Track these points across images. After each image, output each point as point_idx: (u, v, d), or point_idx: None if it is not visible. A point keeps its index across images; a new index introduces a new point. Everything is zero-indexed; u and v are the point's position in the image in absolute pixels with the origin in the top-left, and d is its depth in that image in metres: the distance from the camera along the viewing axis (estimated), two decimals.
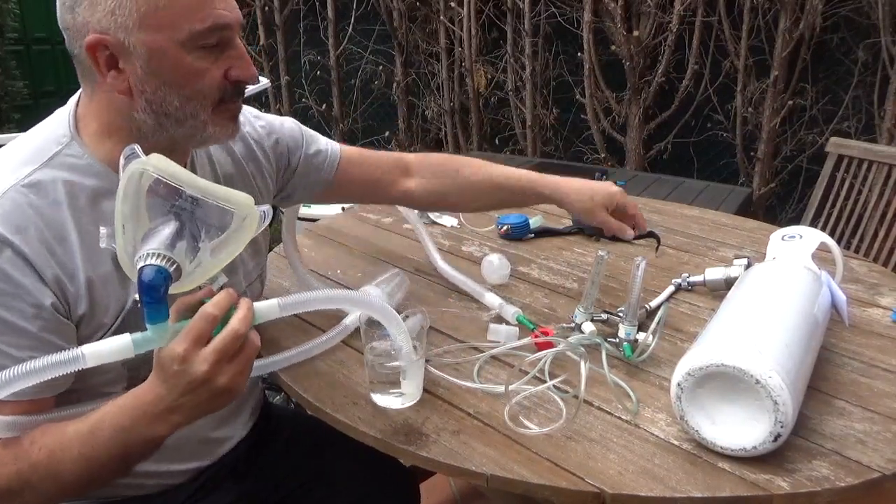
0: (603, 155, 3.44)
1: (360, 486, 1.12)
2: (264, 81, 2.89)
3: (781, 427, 0.77)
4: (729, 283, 1.16)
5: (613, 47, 3.23)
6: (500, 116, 3.81)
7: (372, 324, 0.90)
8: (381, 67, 4.11)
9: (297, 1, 4.19)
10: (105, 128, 0.86)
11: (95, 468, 0.78)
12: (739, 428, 0.79)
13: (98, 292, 0.83)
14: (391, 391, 0.90)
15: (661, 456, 0.81)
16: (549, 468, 0.79)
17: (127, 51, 0.79)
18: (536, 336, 1.02)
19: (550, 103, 3.58)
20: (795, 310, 0.93)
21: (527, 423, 0.86)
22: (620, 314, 1.03)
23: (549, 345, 0.99)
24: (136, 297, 0.73)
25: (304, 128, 1.16)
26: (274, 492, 1.11)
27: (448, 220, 1.59)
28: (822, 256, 1.11)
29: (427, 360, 0.98)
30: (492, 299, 1.15)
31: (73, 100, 0.89)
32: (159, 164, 0.71)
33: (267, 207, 0.75)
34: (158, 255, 0.70)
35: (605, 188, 1.19)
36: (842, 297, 1.05)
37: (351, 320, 1.05)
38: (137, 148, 0.73)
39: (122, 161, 0.73)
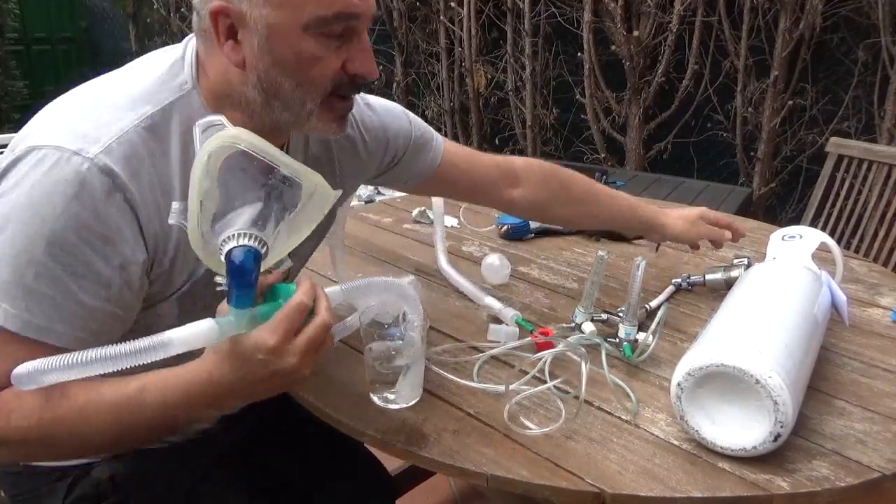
0: (603, 155, 3.44)
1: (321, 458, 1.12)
2: None
3: (781, 427, 0.77)
4: (729, 283, 1.16)
5: (613, 47, 3.23)
6: (500, 116, 3.81)
7: (373, 325, 0.90)
8: (381, 67, 4.11)
9: None
10: (217, 94, 0.82)
11: (125, 436, 0.76)
12: (739, 428, 0.79)
13: (181, 256, 0.81)
14: (391, 392, 0.90)
15: (661, 456, 0.81)
16: (549, 468, 0.79)
17: (247, 24, 0.77)
18: (536, 337, 1.02)
19: (550, 103, 3.58)
20: (795, 310, 0.93)
21: (527, 423, 0.86)
22: (620, 314, 1.03)
23: (550, 345, 0.99)
24: (220, 279, 0.70)
25: (414, 120, 1.12)
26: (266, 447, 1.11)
27: (448, 220, 1.59)
28: (822, 256, 1.11)
29: (427, 360, 0.98)
30: (491, 303, 1.14)
31: (188, 48, 0.84)
32: (251, 140, 0.67)
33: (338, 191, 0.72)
34: (249, 235, 0.67)
35: (693, 210, 1.28)
36: (842, 297, 1.04)
37: (352, 320, 1.05)
38: (224, 119, 0.69)
39: (197, 131, 0.69)
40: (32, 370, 0.66)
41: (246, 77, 0.80)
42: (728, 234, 1.26)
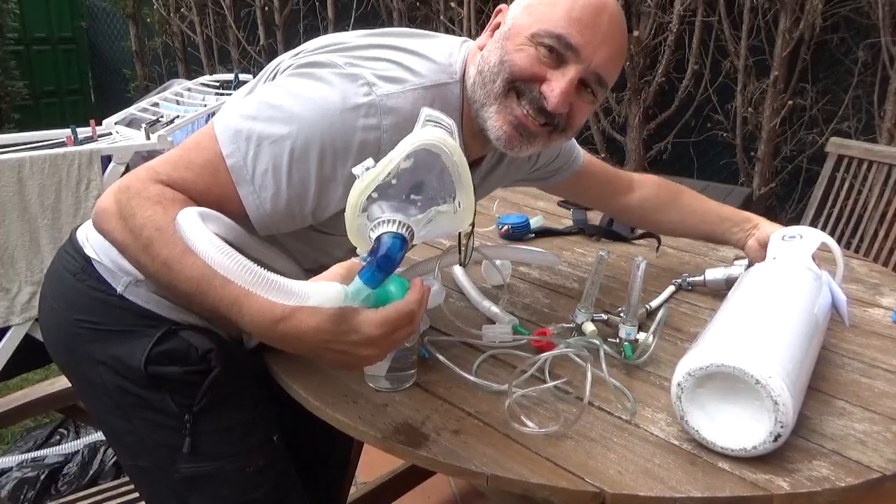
0: (603, 155, 3.43)
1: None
2: None
3: (781, 427, 0.77)
4: (729, 283, 1.16)
5: None
6: None
7: None
8: None
9: (297, 1, 4.19)
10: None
11: (190, 291, 0.80)
12: (739, 428, 0.79)
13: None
14: (386, 374, 0.92)
15: (661, 456, 0.81)
16: (549, 468, 0.79)
17: (507, 20, 0.94)
18: (537, 342, 1.02)
19: None
20: (796, 310, 0.92)
21: (527, 422, 0.86)
22: (620, 314, 1.03)
23: (550, 346, 0.99)
24: (361, 255, 0.74)
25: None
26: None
27: None
28: (822, 256, 1.11)
29: (427, 358, 0.98)
30: (489, 307, 1.13)
31: (464, 46, 0.99)
32: (455, 157, 0.74)
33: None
34: (402, 223, 0.72)
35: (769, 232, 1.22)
36: (842, 297, 1.04)
37: None
38: (454, 127, 0.78)
39: (422, 116, 0.77)
40: (192, 224, 0.70)
41: (477, 58, 0.95)
42: None
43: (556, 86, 0.90)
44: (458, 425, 0.86)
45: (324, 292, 0.71)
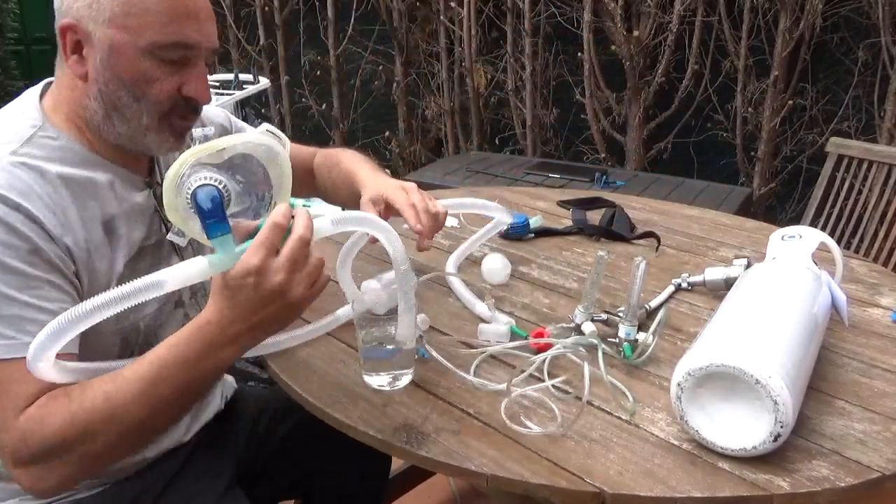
0: (603, 155, 3.44)
1: (322, 451, 1.19)
2: (264, 81, 2.90)
3: (781, 427, 0.77)
4: (729, 283, 1.16)
5: (613, 47, 3.23)
6: (500, 116, 3.81)
7: (365, 317, 0.93)
8: (381, 67, 4.11)
9: (297, 1, 4.18)
10: (68, 113, 0.90)
11: (158, 406, 0.79)
12: (739, 428, 0.79)
13: (94, 259, 0.88)
14: (383, 373, 0.93)
15: (661, 456, 0.81)
16: (549, 468, 0.79)
17: (91, 41, 0.85)
18: (536, 345, 1.02)
19: (550, 103, 3.58)
20: (795, 310, 0.92)
21: (527, 422, 0.86)
22: (620, 314, 1.03)
23: (549, 346, 0.99)
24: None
25: (233, 118, 1.20)
26: (255, 458, 1.17)
27: (449, 220, 1.58)
28: (822, 256, 1.11)
29: (426, 358, 0.98)
30: (483, 310, 1.13)
31: (37, 88, 0.94)
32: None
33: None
34: (210, 177, 0.75)
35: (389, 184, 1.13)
36: (842, 297, 1.04)
37: (343, 312, 1.06)
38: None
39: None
40: (40, 341, 0.70)
41: (88, 89, 0.87)
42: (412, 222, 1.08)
43: (197, 86, 0.88)
44: (458, 425, 0.86)
45: (182, 271, 0.74)
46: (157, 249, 0.97)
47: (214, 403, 1.16)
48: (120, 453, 0.83)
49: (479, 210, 1.27)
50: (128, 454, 0.88)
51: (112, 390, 0.77)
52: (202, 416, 1.12)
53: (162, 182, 0.80)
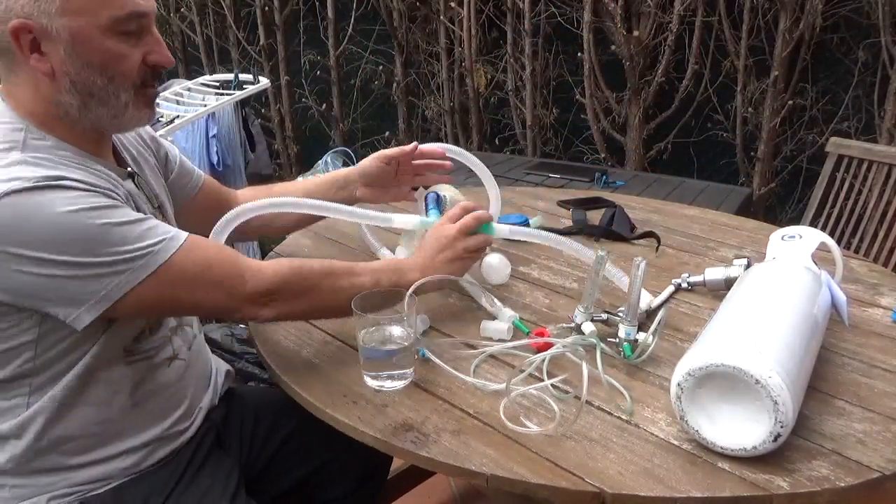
0: (603, 155, 3.43)
1: (323, 451, 1.21)
2: (264, 81, 2.89)
3: (781, 427, 0.77)
4: (729, 283, 1.16)
5: (613, 47, 3.23)
6: (500, 116, 3.81)
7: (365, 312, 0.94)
8: (381, 67, 4.10)
9: (297, 1, 4.18)
10: (40, 114, 0.89)
11: (353, 293, 0.94)
12: (739, 428, 0.79)
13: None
14: (383, 373, 0.93)
15: (661, 456, 0.81)
16: (549, 468, 0.79)
17: (49, 35, 0.84)
18: (536, 345, 1.02)
19: (550, 103, 3.57)
20: (795, 310, 0.93)
21: (527, 422, 0.86)
22: (620, 314, 1.03)
23: (548, 346, 0.99)
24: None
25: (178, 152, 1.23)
26: (257, 459, 1.18)
27: None
28: (822, 256, 1.11)
29: (426, 358, 0.98)
30: (489, 302, 1.14)
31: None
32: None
33: None
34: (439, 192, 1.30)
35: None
36: (842, 297, 1.04)
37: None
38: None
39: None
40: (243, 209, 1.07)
41: (58, 84, 0.87)
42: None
43: (159, 51, 0.93)
44: (458, 425, 0.86)
45: (406, 219, 1.19)
46: None
47: (209, 395, 1.16)
48: (331, 307, 0.99)
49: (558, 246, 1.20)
50: (323, 317, 1.08)
51: (326, 262, 1.01)
52: (203, 403, 1.12)
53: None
